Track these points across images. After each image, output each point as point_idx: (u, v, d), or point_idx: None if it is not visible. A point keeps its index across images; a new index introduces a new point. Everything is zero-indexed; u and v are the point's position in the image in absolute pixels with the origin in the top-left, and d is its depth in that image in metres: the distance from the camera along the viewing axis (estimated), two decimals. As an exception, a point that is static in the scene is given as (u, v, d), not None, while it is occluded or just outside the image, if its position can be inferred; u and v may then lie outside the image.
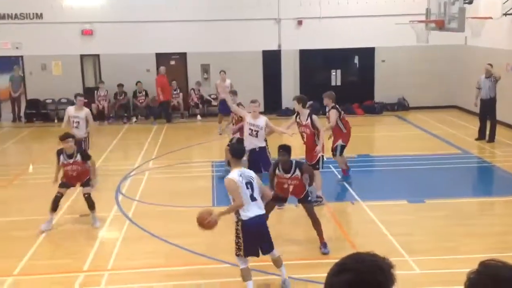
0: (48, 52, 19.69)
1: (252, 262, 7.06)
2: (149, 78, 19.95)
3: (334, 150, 11.35)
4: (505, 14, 15.63)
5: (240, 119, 11.33)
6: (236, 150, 7.00)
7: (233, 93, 12.94)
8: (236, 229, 6.72)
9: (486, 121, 15.05)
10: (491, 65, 14.86)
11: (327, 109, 11.27)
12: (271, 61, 20.27)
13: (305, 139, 10.35)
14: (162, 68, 19.39)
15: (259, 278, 7.26)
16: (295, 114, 10.53)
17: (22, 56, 20.13)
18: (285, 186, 8.11)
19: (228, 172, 7.56)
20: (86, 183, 9.50)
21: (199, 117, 19.89)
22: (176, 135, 17.53)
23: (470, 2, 13.86)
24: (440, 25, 14.30)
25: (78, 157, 9.40)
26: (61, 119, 14.53)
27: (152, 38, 19.66)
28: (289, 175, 8.06)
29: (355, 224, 9.48)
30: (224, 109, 15.58)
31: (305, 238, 8.39)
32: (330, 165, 12.15)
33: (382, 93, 20.65)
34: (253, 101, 10.44)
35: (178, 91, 19.92)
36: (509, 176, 12.26)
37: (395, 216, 9.65)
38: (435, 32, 15.13)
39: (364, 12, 19.74)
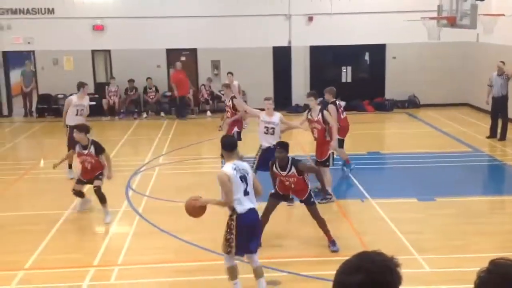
0: (59, 47, 19.78)
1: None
2: (159, 74, 20.01)
3: None
4: (518, 11, 15.52)
5: (235, 112, 11.46)
6: (226, 143, 6.70)
7: (226, 86, 12.75)
8: (230, 224, 6.47)
9: (497, 119, 14.96)
10: (503, 62, 14.77)
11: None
12: (282, 57, 20.24)
13: (315, 135, 10.37)
14: (179, 64, 19.40)
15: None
16: (307, 110, 10.55)
17: (33, 51, 20.26)
18: (287, 184, 8.04)
19: None
20: (96, 177, 9.55)
21: (209, 113, 19.91)
22: (186, 131, 17.58)
23: (482, -1, 13.77)
24: (452, 22, 14.20)
25: (92, 149, 9.47)
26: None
27: (163, 34, 19.70)
28: (285, 172, 7.94)
29: (365, 221, 9.45)
30: None
31: (315, 236, 8.38)
32: (340, 162, 12.15)
33: (392, 90, 20.56)
34: (267, 99, 10.23)
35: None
36: (520, 174, 12.20)
37: (405, 214, 9.62)
38: (446, 29, 15.04)
39: (375, 8, 19.66)
